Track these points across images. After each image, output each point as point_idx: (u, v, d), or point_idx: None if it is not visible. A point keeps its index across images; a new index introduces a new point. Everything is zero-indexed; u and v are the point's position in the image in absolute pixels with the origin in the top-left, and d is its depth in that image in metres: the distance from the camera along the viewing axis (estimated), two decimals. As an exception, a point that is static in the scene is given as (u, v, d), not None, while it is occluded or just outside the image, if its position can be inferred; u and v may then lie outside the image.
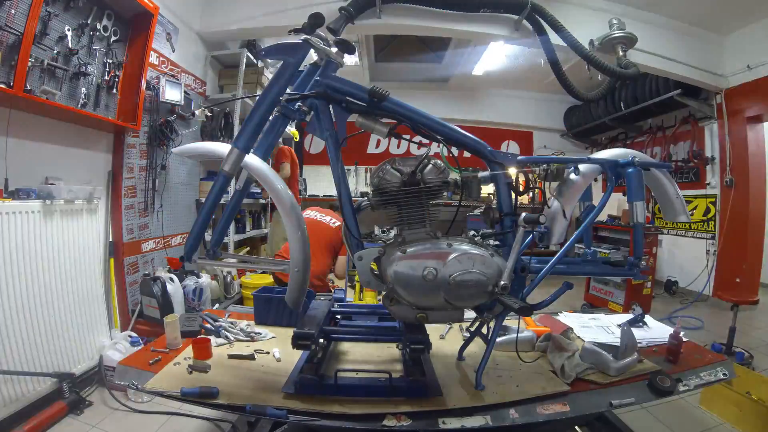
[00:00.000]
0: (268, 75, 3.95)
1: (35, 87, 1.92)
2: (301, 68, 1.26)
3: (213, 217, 1.27)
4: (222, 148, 1.24)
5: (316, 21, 1.17)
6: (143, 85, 2.53)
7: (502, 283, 1.12)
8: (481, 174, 1.32)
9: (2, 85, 1.76)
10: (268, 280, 3.15)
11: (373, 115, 1.20)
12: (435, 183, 1.18)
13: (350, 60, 4.60)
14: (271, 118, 1.23)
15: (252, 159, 1.20)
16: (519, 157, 1.28)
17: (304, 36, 1.18)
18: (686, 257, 4.57)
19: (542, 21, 3.23)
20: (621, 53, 3.40)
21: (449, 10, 3.21)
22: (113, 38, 2.37)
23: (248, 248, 4.26)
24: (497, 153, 1.27)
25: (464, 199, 1.31)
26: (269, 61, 3.95)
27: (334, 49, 1.22)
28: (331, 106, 1.22)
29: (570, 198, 1.30)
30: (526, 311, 1.09)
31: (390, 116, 1.21)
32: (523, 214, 1.17)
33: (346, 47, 1.23)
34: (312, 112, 1.22)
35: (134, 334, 2.34)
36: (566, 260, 1.34)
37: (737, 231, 3.92)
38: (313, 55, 1.27)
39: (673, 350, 1.39)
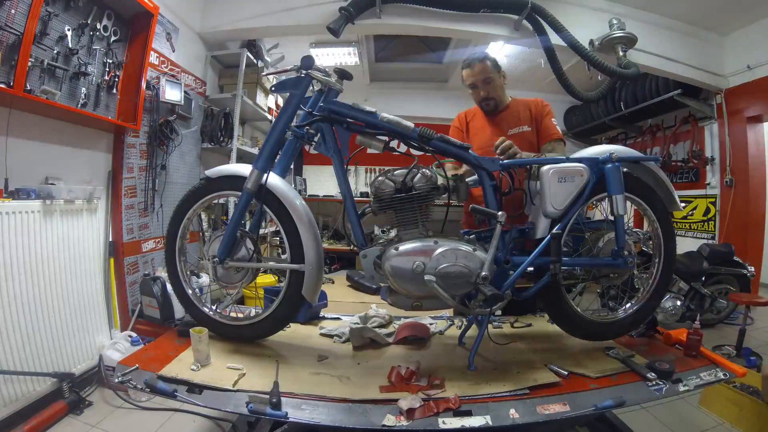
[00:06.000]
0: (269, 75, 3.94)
1: (35, 87, 1.92)
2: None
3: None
4: (248, 169, 1.41)
5: (307, 63, 1.36)
6: (143, 85, 2.53)
7: (483, 274, 1.25)
8: (468, 178, 1.46)
9: (2, 85, 1.76)
10: (269, 279, 3.16)
11: (371, 134, 1.37)
12: (424, 189, 1.35)
13: (350, 60, 4.60)
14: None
15: (271, 177, 1.38)
16: (501, 161, 1.41)
17: (305, 71, 1.36)
18: (686, 257, 4.56)
19: (542, 21, 3.23)
20: (621, 53, 3.40)
21: (449, 10, 3.21)
22: (113, 38, 2.37)
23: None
24: (481, 159, 1.40)
25: (457, 202, 1.44)
26: (269, 60, 3.95)
27: (334, 78, 1.39)
28: (334, 128, 1.39)
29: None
30: (497, 298, 1.24)
31: (385, 133, 1.37)
32: (499, 213, 1.30)
33: (344, 75, 1.41)
34: (318, 134, 1.39)
35: (134, 334, 2.35)
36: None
37: (737, 231, 3.92)
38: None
39: (694, 345, 1.45)
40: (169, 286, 2.45)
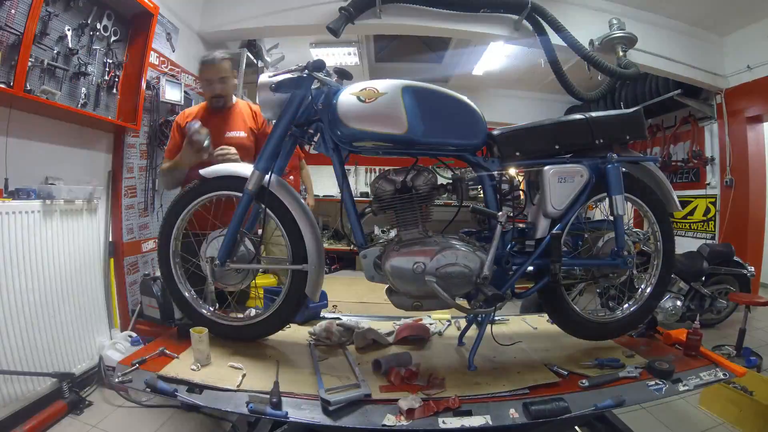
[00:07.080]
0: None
1: (35, 87, 1.92)
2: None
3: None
4: (246, 168, 1.40)
5: (316, 65, 1.33)
6: (143, 85, 2.53)
7: (484, 274, 1.26)
8: (468, 177, 1.45)
9: (2, 85, 1.76)
10: (269, 280, 3.16)
11: None
12: (424, 189, 1.34)
13: (350, 60, 4.60)
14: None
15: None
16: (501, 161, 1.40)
17: (307, 71, 1.34)
18: (686, 257, 4.56)
19: (542, 21, 3.23)
20: (621, 53, 3.40)
21: (449, 10, 3.21)
22: (113, 38, 2.37)
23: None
24: (481, 159, 1.41)
25: (457, 201, 1.43)
26: (269, 60, 3.95)
27: (334, 78, 1.37)
28: None
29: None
30: (497, 298, 1.24)
31: None
32: (499, 213, 1.30)
33: (344, 75, 1.40)
34: (318, 134, 1.39)
35: (134, 334, 2.35)
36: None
37: (737, 231, 3.92)
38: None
39: (694, 345, 1.45)
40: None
